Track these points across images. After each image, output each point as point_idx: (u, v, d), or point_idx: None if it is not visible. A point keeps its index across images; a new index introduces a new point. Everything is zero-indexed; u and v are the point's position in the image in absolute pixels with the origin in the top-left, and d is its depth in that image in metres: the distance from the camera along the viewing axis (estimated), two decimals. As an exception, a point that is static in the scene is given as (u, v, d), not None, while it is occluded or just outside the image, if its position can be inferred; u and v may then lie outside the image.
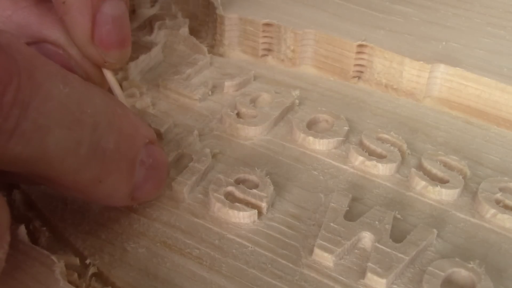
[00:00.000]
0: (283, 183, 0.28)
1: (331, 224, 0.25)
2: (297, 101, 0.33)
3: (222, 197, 0.26)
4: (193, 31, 0.39)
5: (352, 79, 0.36)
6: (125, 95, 0.31)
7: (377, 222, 0.25)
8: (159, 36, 0.38)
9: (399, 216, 0.26)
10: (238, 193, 0.27)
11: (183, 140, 0.30)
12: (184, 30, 0.38)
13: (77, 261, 0.24)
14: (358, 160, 0.29)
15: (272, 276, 0.24)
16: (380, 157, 0.29)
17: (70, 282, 0.22)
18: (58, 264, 0.22)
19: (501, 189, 0.27)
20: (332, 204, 0.26)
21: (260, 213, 0.26)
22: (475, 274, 0.24)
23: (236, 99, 0.32)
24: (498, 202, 0.27)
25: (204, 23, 0.39)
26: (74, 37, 0.24)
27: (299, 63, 0.36)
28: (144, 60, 0.35)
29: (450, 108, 0.34)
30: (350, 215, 0.26)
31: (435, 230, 0.25)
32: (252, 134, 0.31)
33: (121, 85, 0.32)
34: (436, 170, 0.28)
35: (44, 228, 0.26)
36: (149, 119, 0.31)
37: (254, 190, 0.27)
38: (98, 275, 0.24)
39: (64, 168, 0.21)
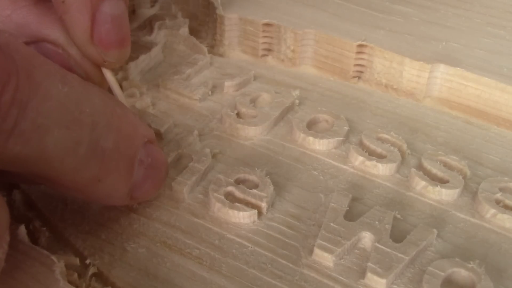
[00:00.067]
0: (283, 183, 0.28)
1: (331, 224, 0.25)
2: (297, 101, 0.33)
3: (222, 197, 0.26)
4: (193, 31, 0.39)
5: (352, 79, 0.36)
6: (125, 95, 0.31)
7: (377, 222, 0.25)
8: (159, 36, 0.38)
9: (399, 216, 0.26)
10: (238, 193, 0.27)
11: (183, 140, 0.30)
12: (184, 30, 0.38)
13: (77, 261, 0.24)
14: (358, 160, 0.29)
15: (272, 276, 0.24)
16: (380, 157, 0.29)
17: (70, 282, 0.22)
18: (58, 264, 0.22)
19: (501, 189, 0.27)
20: (332, 204, 0.26)
21: (260, 213, 0.26)
22: (475, 274, 0.24)
23: (236, 99, 0.32)
24: (498, 202, 0.27)
25: (204, 23, 0.39)
26: (73, 37, 0.24)
27: (299, 63, 0.36)
28: (144, 60, 0.35)
29: (450, 108, 0.34)
30: (350, 215, 0.26)
31: (435, 230, 0.25)
32: (252, 134, 0.31)
33: (121, 85, 0.32)
34: (436, 170, 0.28)
35: (44, 228, 0.26)
36: (149, 119, 0.31)
37: (254, 190, 0.27)
38: (98, 275, 0.24)
39: (63, 167, 0.21)
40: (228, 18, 0.37)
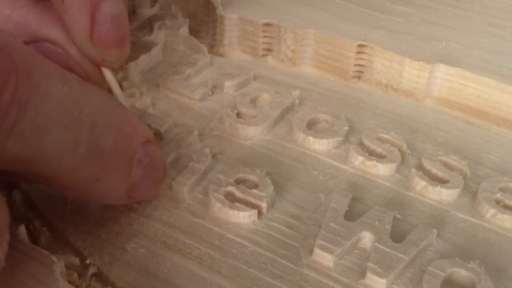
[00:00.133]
0: (283, 183, 0.28)
1: (331, 224, 0.25)
2: (297, 101, 0.33)
3: (222, 197, 0.26)
4: (193, 31, 0.39)
5: (352, 79, 0.36)
6: (125, 95, 0.31)
7: (377, 222, 0.25)
8: (159, 36, 0.38)
9: (399, 216, 0.26)
10: (238, 193, 0.27)
11: (183, 140, 0.30)
12: (184, 30, 0.38)
13: (77, 261, 0.24)
14: (358, 160, 0.29)
15: (272, 276, 0.24)
16: (380, 157, 0.29)
17: (70, 282, 0.22)
18: (58, 264, 0.22)
19: (501, 189, 0.27)
20: (332, 204, 0.26)
21: (260, 213, 0.26)
22: (475, 274, 0.23)
23: (236, 99, 0.32)
24: (498, 202, 0.27)
25: (204, 23, 0.39)
26: (73, 36, 0.24)
27: (299, 63, 0.36)
28: (144, 60, 0.35)
29: (450, 108, 0.34)
30: (350, 215, 0.26)
31: (435, 230, 0.25)
32: (252, 134, 0.31)
33: (121, 85, 0.32)
34: (436, 170, 0.28)
35: (44, 228, 0.26)
36: (149, 119, 0.31)
37: (254, 190, 0.27)
38: (98, 275, 0.24)
39: (62, 167, 0.21)
40: (228, 18, 0.37)
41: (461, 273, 0.24)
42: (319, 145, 0.30)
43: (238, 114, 0.32)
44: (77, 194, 0.24)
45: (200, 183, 0.28)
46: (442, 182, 0.28)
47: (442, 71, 0.33)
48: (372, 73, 0.35)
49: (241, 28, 0.37)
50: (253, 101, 0.32)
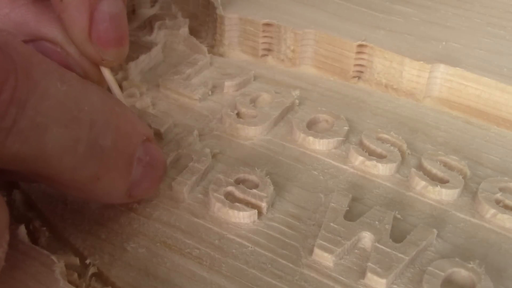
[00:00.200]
0: (283, 183, 0.28)
1: (331, 224, 0.25)
2: (297, 101, 0.33)
3: (222, 197, 0.26)
4: (193, 31, 0.39)
5: (352, 79, 0.36)
6: (125, 95, 0.31)
7: (377, 222, 0.25)
8: (159, 36, 0.38)
9: (399, 216, 0.26)
10: (238, 193, 0.27)
11: (183, 140, 0.30)
12: (184, 30, 0.38)
13: (77, 261, 0.24)
14: (358, 160, 0.29)
15: (272, 276, 0.24)
16: (380, 157, 0.29)
17: (70, 282, 0.22)
18: (58, 264, 0.22)
19: (501, 189, 0.27)
20: (332, 204, 0.26)
21: (260, 213, 0.26)
22: (475, 274, 0.23)
23: (236, 99, 0.32)
24: (498, 202, 0.27)
25: (204, 23, 0.39)
26: (71, 35, 0.24)
27: (299, 63, 0.36)
28: (144, 60, 0.35)
29: (450, 108, 0.34)
30: (350, 215, 0.26)
31: (435, 230, 0.25)
32: (252, 134, 0.31)
33: (121, 85, 0.32)
34: (436, 170, 0.28)
35: (44, 228, 0.26)
36: (149, 119, 0.31)
37: (254, 190, 0.27)
38: (98, 275, 0.24)
39: (61, 166, 0.21)
40: (228, 18, 0.37)
41: (461, 273, 0.24)
42: (319, 145, 0.30)
43: (238, 114, 0.32)
44: (77, 193, 0.24)
45: (200, 183, 0.28)
46: (442, 182, 0.28)
47: (442, 71, 0.33)
48: (372, 73, 0.35)
49: (241, 28, 0.37)
50: (253, 101, 0.32)
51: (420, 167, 0.29)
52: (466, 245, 0.26)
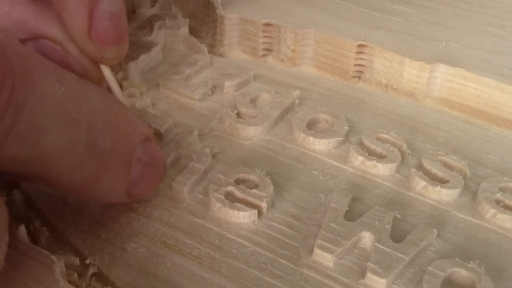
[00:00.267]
0: (283, 183, 0.28)
1: (331, 224, 0.25)
2: (297, 101, 0.33)
3: (222, 197, 0.26)
4: (193, 31, 0.39)
5: (352, 79, 0.36)
6: (125, 95, 0.31)
7: (377, 222, 0.25)
8: (159, 36, 0.38)
9: (399, 216, 0.26)
10: (238, 193, 0.27)
11: (183, 140, 0.30)
12: (184, 30, 0.38)
13: (77, 261, 0.24)
14: (358, 160, 0.29)
15: (272, 276, 0.24)
16: (380, 157, 0.29)
17: (70, 282, 0.22)
18: (58, 264, 0.22)
19: (501, 189, 0.27)
20: (332, 204, 0.26)
21: (260, 213, 0.26)
22: (475, 274, 0.23)
23: (236, 99, 0.32)
24: (498, 202, 0.27)
25: (204, 23, 0.39)
26: (71, 33, 0.24)
27: (299, 63, 0.36)
28: (144, 60, 0.35)
29: (450, 108, 0.34)
30: (350, 215, 0.26)
31: (435, 230, 0.25)
32: (252, 134, 0.31)
33: (121, 85, 0.32)
34: (436, 170, 0.28)
35: (44, 228, 0.26)
36: (149, 119, 0.31)
37: (254, 190, 0.27)
38: (98, 275, 0.24)
39: (60, 167, 0.21)
40: (228, 18, 0.37)
41: (461, 273, 0.24)
42: (319, 145, 0.30)
43: (238, 114, 0.32)
44: (76, 193, 0.24)
45: (200, 183, 0.28)
46: (442, 182, 0.28)
47: (442, 71, 0.33)
48: (372, 73, 0.35)
49: (241, 28, 0.37)
50: (253, 101, 0.32)
51: (420, 167, 0.29)
52: (466, 245, 0.26)
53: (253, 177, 0.27)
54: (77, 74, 0.22)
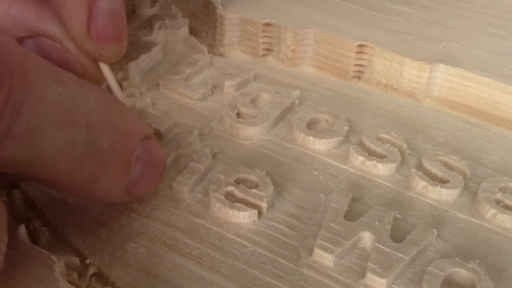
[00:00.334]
0: (283, 183, 0.28)
1: (331, 224, 0.25)
2: (297, 101, 0.33)
3: (222, 197, 0.26)
4: (193, 31, 0.39)
5: (352, 79, 0.36)
6: (125, 95, 0.31)
7: (377, 222, 0.25)
8: (159, 36, 0.38)
9: (399, 216, 0.26)
10: (238, 193, 0.27)
11: (183, 140, 0.30)
12: (184, 30, 0.38)
13: (77, 261, 0.24)
14: (358, 160, 0.29)
15: (272, 276, 0.24)
16: (380, 157, 0.29)
17: (70, 282, 0.22)
18: (58, 264, 0.22)
19: (501, 189, 0.27)
20: (332, 204, 0.26)
21: (260, 213, 0.26)
22: (475, 274, 0.23)
23: (236, 99, 0.32)
24: (498, 202, 0.27)
25: (204, 23, 0.39)
26: (70, 31, 0.24)
27: (299, 63, 0.36)
28: (144, 60, 0.35)
29: (450, 108, 0.34)
30: (350, 215, 0.26)
31: (435, 230, 0.25)
32: (252, 134, 0.31)
33: (121, 85, 0.32)
34: (436, 170, 0.28)
35: (44, 228, 0.26)
36: (149, 119, 0.31)
37: (254, 190, 0.27)
38: (98, 275, 0.24)
39: (59, 168, 0.21)
40: (228, 18, 0.37)
41: (461, 273, 0.24)
42: (319, 145, 0.30)
43: (238, 114, 0.32)
44: (76, 193, 0.24)
45: (200, 183, 0.28)
46: (442, 182, 0.28)
47: (442, 71, 0.33)
48: (372, 73, 0.35)
49: (241, 28, 0.37)
50: (253, 101, 0.32)
51: (420, 167, 0.29)
52: (466, 245, 0.26)
53: (253, 177, 0.27)
54: (76, 72, 0.22)
